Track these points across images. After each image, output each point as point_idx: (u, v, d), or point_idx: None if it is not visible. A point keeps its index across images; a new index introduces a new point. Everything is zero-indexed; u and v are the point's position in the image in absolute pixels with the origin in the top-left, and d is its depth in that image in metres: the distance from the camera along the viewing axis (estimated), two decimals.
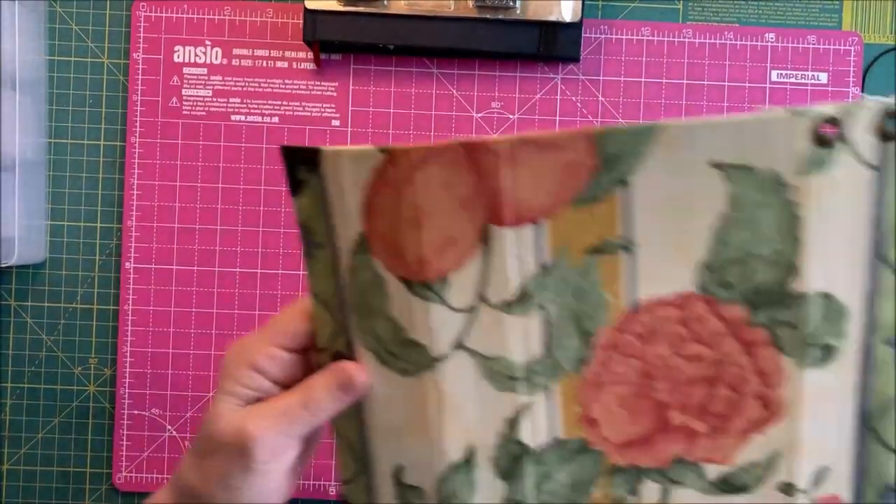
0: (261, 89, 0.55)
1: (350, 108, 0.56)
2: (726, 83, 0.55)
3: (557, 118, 0.56)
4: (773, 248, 0.38)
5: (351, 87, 0.56)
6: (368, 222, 0.41)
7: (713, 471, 0.41)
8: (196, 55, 0.55)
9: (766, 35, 0.55)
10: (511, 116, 0.56)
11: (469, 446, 0.42)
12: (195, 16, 0.55)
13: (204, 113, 0.56)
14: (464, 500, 0.43)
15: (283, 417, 0.41)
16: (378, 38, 0.53)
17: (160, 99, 0.55)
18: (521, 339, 0.41)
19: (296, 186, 0.41)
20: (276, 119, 0.56)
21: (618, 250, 0.39)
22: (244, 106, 0.55)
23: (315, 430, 0.42)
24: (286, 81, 0.55)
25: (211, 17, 0.55)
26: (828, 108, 0.36)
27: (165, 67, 0.55)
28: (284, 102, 0.56)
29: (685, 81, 0.55)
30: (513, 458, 0.42)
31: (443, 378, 0.41)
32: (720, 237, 0.38)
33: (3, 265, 0.52)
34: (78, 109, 0.56)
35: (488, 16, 0.52)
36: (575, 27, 0.53)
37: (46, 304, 0.56)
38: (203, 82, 0.55)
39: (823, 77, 0.55)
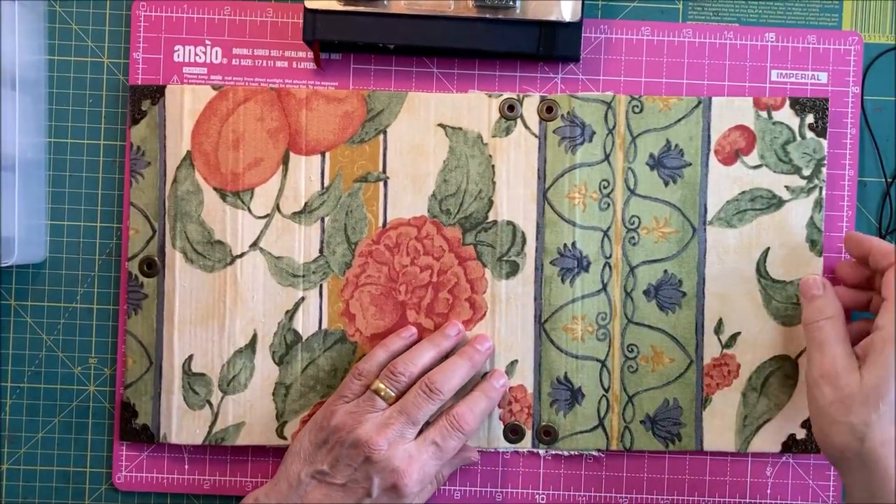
0: (261, 89, 0.55)
1: None
2: (726, 83, 0.55)
3: None
4: (479, 187, 0.54)
5: (351, 87, 0.56)
6: (195, 143, 0.53)
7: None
8: (196, 55, 0.55)
9: (766, 35, 0.55)
10: None
11: (254, 333, 0.54)
12: (195, 15, 0.55)
13: None
14: (244, 381, 0.54)
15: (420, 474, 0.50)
16: (378, 37, 0.53)
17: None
18: (304, 243, 0.54)
19: (137, 117, 0.54)
20: None
21: (377, 180, 0.54)
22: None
23: None
24: (286, 81, 0.55)
25: (211, 16, 0.55)
26: (509, 95, 0.54)
27: (165, 67, 0.55)
28: None
29: (685, 81, 0.55)
30: (287, 346, 0.54)
31: (240, 272, 0.54)
32: (443, 177, 0.54)
33: (3, 265, 0.52)
34: (78, 109, 0.56)
35: (488, 15, 0.52)
36: (575, 27, 0.53)
37: (46, 304, 0.56)
38: (203, 82, 0.55)
39: (823, 77, 0.55)
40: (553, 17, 0.52)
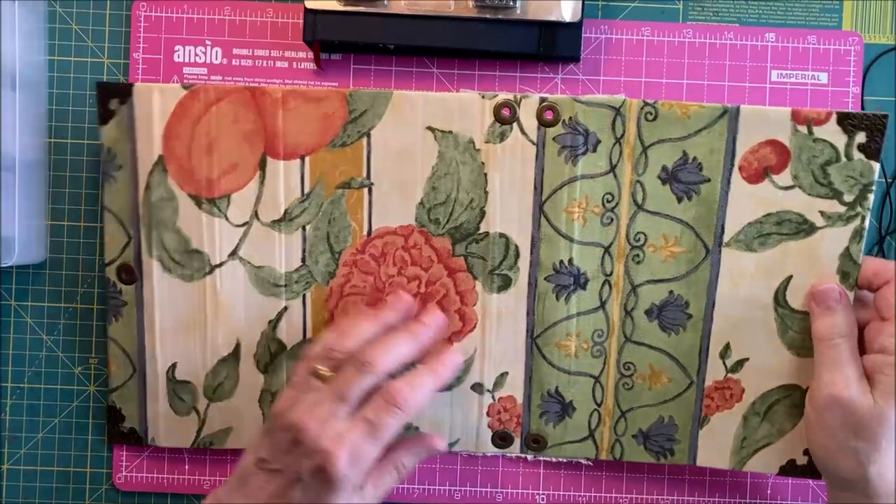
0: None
1: None
2: (726, 83, 0.55)
3: None
4: (469, 196, 0.50)
5: (351, 87, 0.56)
6: (167, 146, 0.50)
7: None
8: (196, 55, 0.55)
9: (767, 35, 0.55)
10: None
11: (237, 343, 0.52)
12: (195, 15, 0.55)
13: None
14: (229, 389, 0.52)
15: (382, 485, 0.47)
16: (378, 37, 0.53)
17: None
18: (285, 252, 0.51)
19: (105, 116, 0.50)
20: None
21: (361, 187, 0.50)
22: None
23: None
24: (286, 81, 0.55)
25: (211, 16, 0.55)
26: (505, 95, 0.49)
27: (165, 67, 0.55)
28: None
29: (685, 81, 0.55)
30: (272, 355, 0.52)
31: (220, 282, 0.51)
32: (432, 184, 0.50)
33: (3, 265, 0.52)
34: (78, 109, 0.56)
35: (488, 15, 0.52)
36: (575, 27, 0.53)
37: (46, 304, 0.56)
38: (203, 82, 0.55)
39: (824, 77, 0.55)
40: (553, 18, 0.52)
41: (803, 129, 0.48)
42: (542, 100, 0.49)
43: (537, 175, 0.50)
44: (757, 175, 0.49)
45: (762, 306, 0.50)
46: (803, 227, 0.49)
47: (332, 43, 0.54)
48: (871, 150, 0.48)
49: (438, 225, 0.50)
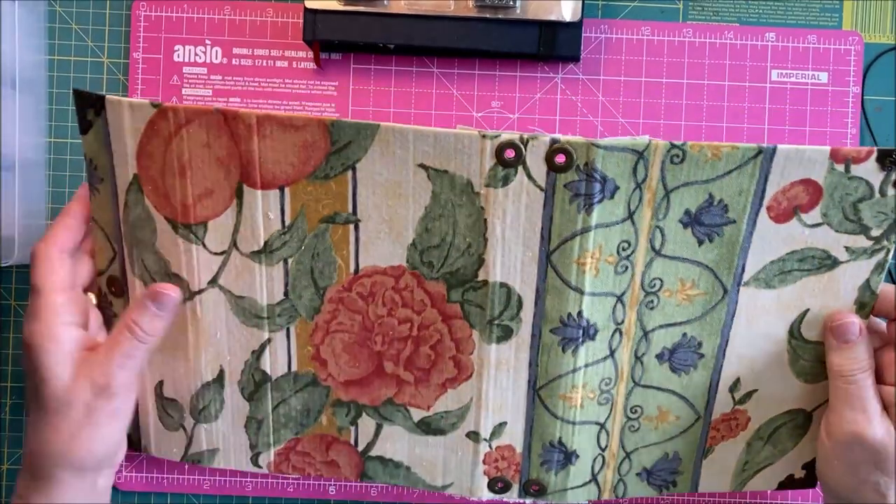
0: (261, 89, 0.55)
1: (350, 108, 0.56)
2: (726, 83, 0.55)
3: (558, 118, 0.56)
4: (466, 241, 0.45)
5: (351, 87, 0.56)
6: (141, 166, 0.45)
7: (417, 414, 0.50)
8: (196, 55, 0.55)
9: (767, 34, 0.55)
10: (511, 116, 0.56)
11: (221, 369, 0.49)
12: (195, 15, 0.55)
13: None
14: (214, 413, 0.50)
15: (118, 349, 0.44)
16: (378, 37, 0.53)
17: (160, 98, 0.55)
18: (266, 284, 0.47)
19: (84, 126, 0.46)
20: None
21: (346, 222, 0.46)
22: (244, 105, 0.55)
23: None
24: (286, 81, 0.55)
25: (211, 16, 0.55)
26: (510, 136, 0.43)
27: (165, 67, 0.55)
28: (284, 102, 0.56)
29: (685, 81, 0.55)
30: (256, 384, 0.49)
31: (200, 309, 0.48)
32: (425, 225, 0.45)
33: (3, 265, 0.51)
34: None
35: (488, 15, 0.52)
36: (575, 27, 0.53)
37: None
38: (203, 82, 0.55)
39: (824, 77, 0.55)
40: (553, 17, 0.52)
41: (840, 167, 0.44)
42: (554, 141, 0.42)
43: (545, 223, 0.44)
44: (785, 215, 0.45)
45: (776, 340, 0.48)
46: (826, 263, 0.46)
47: (331, 42, 0.54)
48: None
49: (432, 268, 0.46)
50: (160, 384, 0.50)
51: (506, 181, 0.44)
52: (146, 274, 0.47)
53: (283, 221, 0.46)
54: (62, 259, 0.44)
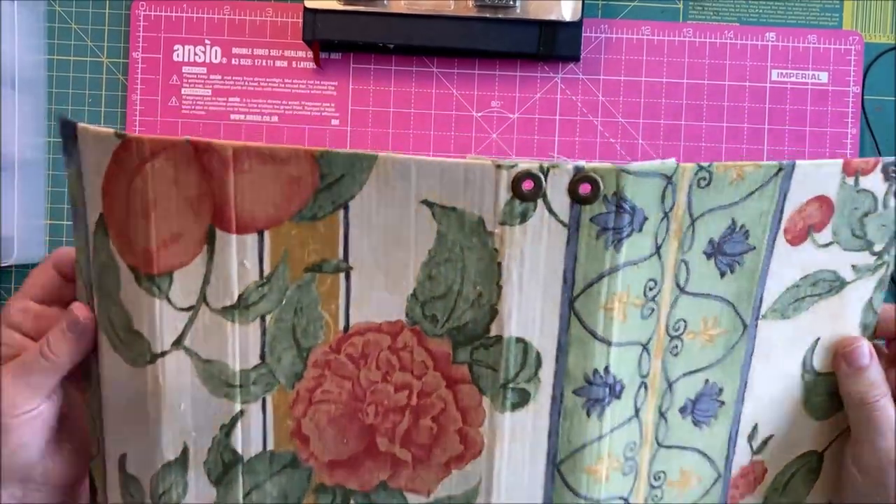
0: (260, 88, 0.55)
1: (350, 108, 0.56)
2: (727, 82, 0.55)
3: (557, 117, 0.56)
4: (477, 289, 0.39)
5: (350, 87, 0.56)
6: (106, 205, 0.40)
7: (415, 500, 0.42)
8: (195, 54, 0.55)
9: (767, 34, 0.55)
10: (511, 116, 0.56)
11: (184, 447, 0.41)
12: (195, 15, 0.55)
13: (203, 112, 0.55)
14: (176, 498, 0.42)
15: (22, 367, 0.40)
16: (378, 37, 0.53)
17: (159, 98, 0.55)
18: (239, 346, 0.40)
19: (68, 158, 0.40)
20: (275, 118, 0.56)
21: (336, 271, 0.39)
22: (244, 105, 0.55)
23: (64, 395, 0.42)
24: (286, 80, 0.55)
25: (210, 16, 0.55)
26: (528, 165, 0.37)
27: (165, 66, 0.55)
28: (284, 102, 0.55)
29: (685, 81, 0.55)
30: (225, 465, 0.41)
31: (162, 375, 0.40)
32: (428, 272, 0.39)
33: (2, 264, 0.51)
34: (77, 109, 0.56)
35: (488, 15, 0.52)
36: (575, 26, 0.53)
37: None
38: (202, 81, 0.55)
39: (824, 76, 0.55)
40: (553, 17, 0.52)
41: (851, 181, 0.42)
42: (578, 170, 0.37)
43: (568, 265, 0.38)
44: (801, 236, 0.42)
45: (791, 376, 0.44)
46: (835, 285, 0.43)
47: (331, 42, 0.54)
48: None
49: (436, 323, 0.40)
50: (123, 457, 0.43)
51: (524, 217, 0.38)
52: (111, 328, 0.41)
53: (260, 271, 0.39)
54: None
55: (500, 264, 0.38)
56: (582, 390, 0.40)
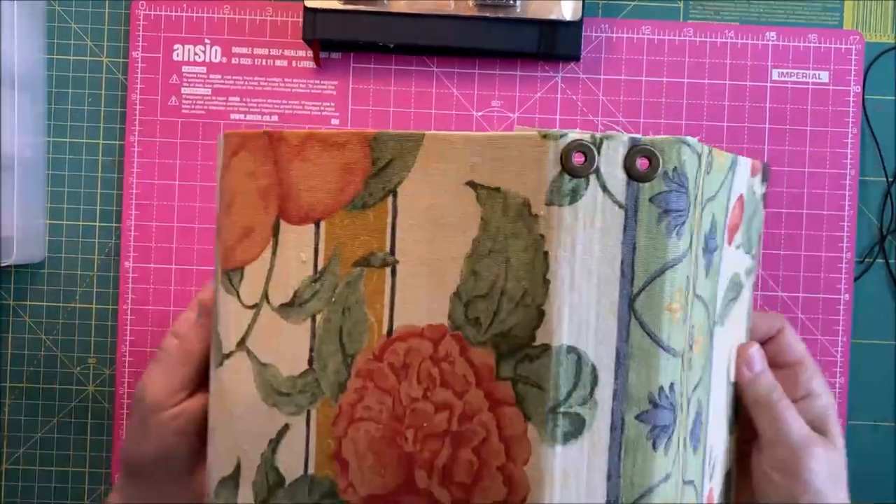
0: (260, 88, 0.55)
1: (350, 107, 0.56)
2: (727, 82, 0.55)
3: (558, 117, 0.56)
4: (523, 286, 0.33)
5: (351, 86, 0.56)
6: (217, 203, 0.40)
7: None
8: (195, 54, 0.55)
9: (767, 34, 0.55)
10: (511, 115, 0.56)
11: (238, 463, 0.38)
12: (194, 14, 0.55)
13: (203, 112, 0.55)
14: None
15: (160, 360, 0.42)
16: (378, 36, 0.53)
17: (159, 98, 0.55)
18: (291, 349, 0.37)
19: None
20: (275, 118, 0.56)
21: (383, 265, 0.35)
22: (243, 104, 0.55)
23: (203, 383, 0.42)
24: (286, 80, 0.55)
25: (210, 15, 0.55)
26: (578, 135, 0.32)
27: (164, 66, 0.55)
28: (284, 101, 0.55)
29: (686, 80, 0.55)
30: (269, 488, 0.37)
31: (227, 377, 0.38)
32: (472, 267, 0.34)
33: (1, 264, 0.51)
34: (77, 108, 0.56)
35: (488, 14, 0.52)
36: (575, 26, 0.53)
37: (45, 304, 0.56)
38: (202, 81, 0.55)
39: (825, 76, 0.55)
40: (553, 16, 0.52)
41: (752, 181, 0.40)
42: (634, 142, 0.32)
43: (626, 255, 0.33)
44: (730, 237, 0.39)
45: (722, 390, 0.40)
46: (738, 289, 0.40)
47: (331, 42, 0.54)
48: (765, 197, 0.43)
49: (479, 328, 0.34)
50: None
51: (574, 196, 0.32)
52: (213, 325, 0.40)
53: (315, 265, 0.36)
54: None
55: (546, 254, 0.32)
56: (646, 415, 0.33)
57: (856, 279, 0.56)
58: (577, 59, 0.55)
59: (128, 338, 0.56)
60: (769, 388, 0.41)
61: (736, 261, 0.38)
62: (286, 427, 0.37)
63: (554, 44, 0.53)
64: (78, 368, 0.56)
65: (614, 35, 0.55)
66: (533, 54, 0.53)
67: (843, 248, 0.55)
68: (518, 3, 0.52)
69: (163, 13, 0.55)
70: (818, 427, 0.41)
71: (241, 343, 0.38)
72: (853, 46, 0.55)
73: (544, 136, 0.32)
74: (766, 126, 0.55)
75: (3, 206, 0.51)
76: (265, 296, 0.37)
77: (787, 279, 0.55)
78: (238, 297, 0.38)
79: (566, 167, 0.32)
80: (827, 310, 0.56)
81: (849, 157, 0.55)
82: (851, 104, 0.55)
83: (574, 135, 0.32)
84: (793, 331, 0.43)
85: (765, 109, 0.55)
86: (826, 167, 0.55)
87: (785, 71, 0.55)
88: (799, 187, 0.55)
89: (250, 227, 0.37)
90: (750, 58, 0.55)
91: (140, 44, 0.55)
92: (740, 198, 0.38)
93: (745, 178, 0.38)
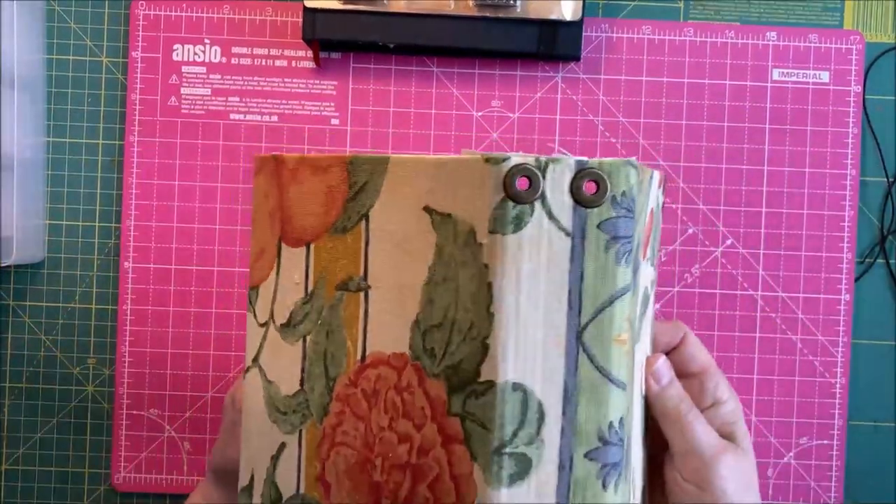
0: (260, 88, 0.55)
1: (350, 107, 0.56)
2: (728, 82, 0.55)
3: (558, 117, 0.56)
4: (469, 318, 0.31)
5: (350, 86, 0.55)
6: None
7: None
8: (195, 54, 0.55)
9: (768, 33, 0.55)
10: (511, 115, 0.56)
11: (252, 475, 0.38)
12: (194, 14, 0.55)
13: (203, 112, 0.55)
14: None
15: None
16: (378, 36, 0.53)
17: (159, 98, 0.55)
18: (289, 369, 0.37)
19: None
20: (275, 118, 0.56)
21: (357, 290, 0.34)
22: (243, 105, 0.55)
23: None
24: (285, 80, 0.55)
25: (210, 15, 0.55)
26: (521, 158, 0.30)
27: (164, 66, 0.55)
28: (283, 101, 0.55)
29: (686, 80, 0.55)
30: (272, 502, 0.37)
31: (247, 391, 0.38)
32: (429, 295, 0.32)
33: (1, 265, 0.51)
34: (77, 108, 0.56)
35: (488, 14, 0.52)
36: (575, 26, 0.53)
37: (45, 304, 0.56)
38: (202, 81, 0.55)
39: (825, 76, 0.55)
40: (554, 16, 0.52)
41: (659, 193, 0.38)
42: (581, 165, 0.30)
43: (573, 285, 0.31)
44: (644, 251, 0.37)
45: (641, 407, 0.38)
46: (647, 303, 0.38)
47: (331, 42, 0.54)
48: None
49: (434, 359, 0.32)
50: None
51: (518, 224, 0.30)
52: None
53: (305, 288, 0.36)
54: None
55: (490, 285, 0.31)
56: (596, 453, 0.31)
57: (856, 279, 0.56)
58: (577, 59, 0.55)
59: (127, 338, 0.56)
60: (678, 400, 0.40)
61: (646, 275, 0.37)
62: (283, 445, 0.37)
63: (554, 44, 0.53)
64: (77, 369, 0.56)
65: (614, 35, 0.55)
66: (533, 54, 0.53)
67: (843, 249, 0.55)
68: (518, 3, 0.52)
69: (162, 13, 0.55)
70: (727, 434, 0.41)
71: (255, 359, 0.38)
72: (853, 46, 0.55)
73: (486, 160, 0.30)
74: (767, 126, 0.55)
75: (2, 206, 0.51)
76: (272, 315, 0.37)
77: (787, 279, 0.55)
78: (254, 314, 0.38)
79: (509, 193, 0.30)
80: (827, 310, 0.55)
81: (849, 157, 0.55)
82: (852, 104, 0.55)
83: (517, 158, 0.30)
84: (695, 338, 0.42)
85: (765, 109, 0.55)
86: (826, 167, 0.55)
87: (785, 71, 0.55)
88: (799, 187, 0.55)
89: (263, 248, 0.38)
90: (750, 58, 0.55)
91: (140, 44, 0.55)
92: (651, 212, 0.37)
93: (654, 192, 0.37)
